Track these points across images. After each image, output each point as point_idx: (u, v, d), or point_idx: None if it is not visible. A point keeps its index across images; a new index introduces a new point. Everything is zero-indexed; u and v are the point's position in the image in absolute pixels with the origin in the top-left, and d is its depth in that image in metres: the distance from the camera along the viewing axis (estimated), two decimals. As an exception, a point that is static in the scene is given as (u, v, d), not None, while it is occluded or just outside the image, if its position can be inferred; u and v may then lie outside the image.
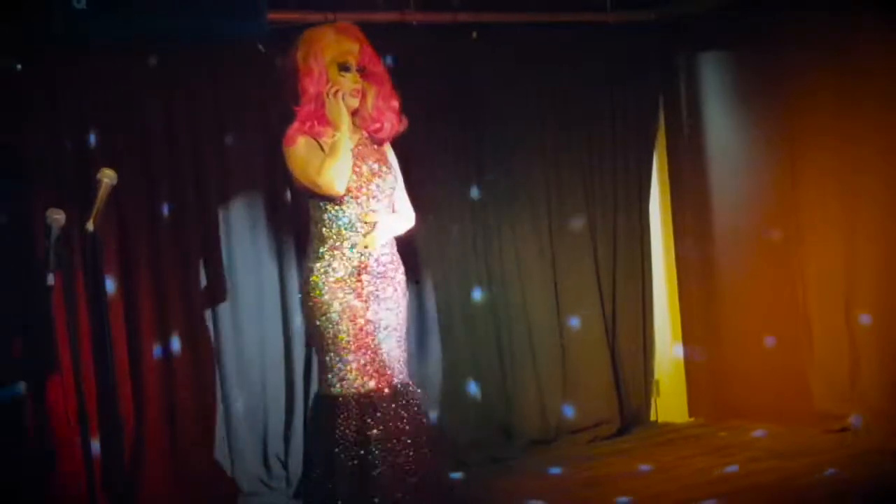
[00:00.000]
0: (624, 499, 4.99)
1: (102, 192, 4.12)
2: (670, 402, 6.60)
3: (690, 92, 6.49)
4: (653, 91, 6.58)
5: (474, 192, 6.08)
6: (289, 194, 5.51)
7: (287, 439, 5.51)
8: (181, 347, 5.33)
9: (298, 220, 5.32)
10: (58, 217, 4.03)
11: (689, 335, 6.60)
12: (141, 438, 5.18)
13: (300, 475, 4.38)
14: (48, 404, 4.91)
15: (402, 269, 4.37)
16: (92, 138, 5.15)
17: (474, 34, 5.94)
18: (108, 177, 4.15)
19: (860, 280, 5.70)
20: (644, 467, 5.54)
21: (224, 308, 5.44)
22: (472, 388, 6.00)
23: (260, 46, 5.30)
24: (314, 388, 5.26)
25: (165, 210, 5.32)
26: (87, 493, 3.96)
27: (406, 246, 5.68)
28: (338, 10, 5.28)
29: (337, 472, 4.09)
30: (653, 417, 6.58)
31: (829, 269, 5.83)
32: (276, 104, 5.31)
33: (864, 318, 5.68)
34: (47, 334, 4.82)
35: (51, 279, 3.85)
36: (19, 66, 4.90)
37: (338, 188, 4.14)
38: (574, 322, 6.29)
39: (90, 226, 4.05)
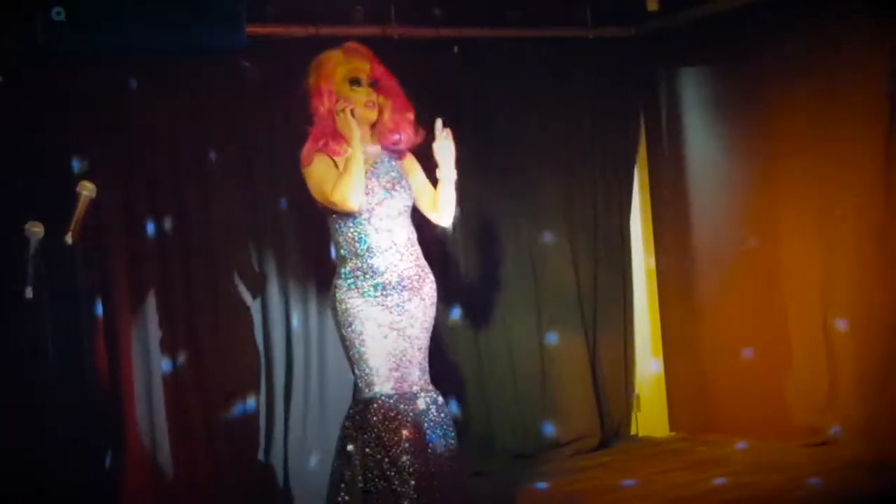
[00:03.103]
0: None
1: (81, 205, 4.13)
2: (651, 416, 6.62)
3: (670, 106, 6.53)
4: (633, 106, 6.62)
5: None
6: (283, 204, 5.54)
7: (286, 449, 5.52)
8: (183, 360, 5.33)
9: (300, 231, 5.47)
10: (37, 230, 4.03)
11: (670, 349, 6.62)
12: (121, 451, 5.15)
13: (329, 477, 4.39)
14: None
15: (430, 278, 4.38)
16: (72, 151, 5.13)
17: (455, 49, 5.97)
18: (87, 189, 4.16)
19: (838, 293, 5.74)
20: (625, 482, 5.53)
21: (225, 321, 5.44)
22: (452, 404, 5.99)
23: (245, 63, 5.32)
24: (314, 396, 5.49)
25: (151, 223, 5.31)
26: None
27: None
28: (319, 24, 5.30)
29: (369, 473, 4.17)
30: (633, 431, 6.59)
31: (807, 282, 5.87)
32: (260, 117, 5.37)
33: (842, 331, 5.71)
34: (27, 347, 4.79)
35: (29, 292, 3.85)
36: (0, 79, 4.90)
37: (351, 204, 4.16)
38: (554, 337, 6.30)
39: (69, 238, 4.05)
